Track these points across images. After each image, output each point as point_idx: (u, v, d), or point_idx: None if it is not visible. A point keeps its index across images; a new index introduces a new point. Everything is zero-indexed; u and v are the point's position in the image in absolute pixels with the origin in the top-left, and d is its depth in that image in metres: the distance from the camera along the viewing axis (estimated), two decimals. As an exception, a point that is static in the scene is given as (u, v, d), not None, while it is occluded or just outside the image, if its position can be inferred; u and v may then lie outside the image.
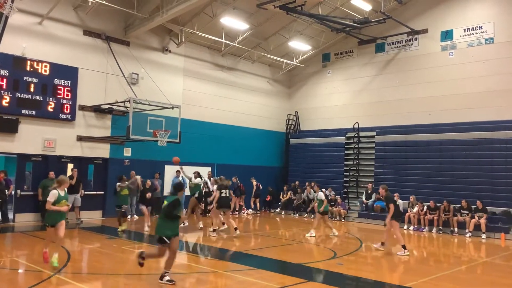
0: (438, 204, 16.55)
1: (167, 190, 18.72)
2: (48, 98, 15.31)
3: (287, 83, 25.09)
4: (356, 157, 21.27)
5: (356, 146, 21.34)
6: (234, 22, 18.82)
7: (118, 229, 13.50)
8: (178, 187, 8.35)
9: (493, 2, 18.48)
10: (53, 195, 8.44)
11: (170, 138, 15.84)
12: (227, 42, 19.89)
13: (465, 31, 18.99)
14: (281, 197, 21.79)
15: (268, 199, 22.08)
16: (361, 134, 21.25)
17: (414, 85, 20.14)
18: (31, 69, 14.97)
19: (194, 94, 20.07)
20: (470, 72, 18.50)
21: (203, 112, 20.28)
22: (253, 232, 16.08)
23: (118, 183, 13.54)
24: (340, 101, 22.77)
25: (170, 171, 18.85)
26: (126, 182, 13.59)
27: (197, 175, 15.55)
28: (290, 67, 23.85)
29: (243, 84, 22.55)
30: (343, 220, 19.07)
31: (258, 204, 21.33)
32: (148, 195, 14.10)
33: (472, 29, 18.79)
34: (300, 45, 22.09)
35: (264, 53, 21.79)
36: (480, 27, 18.56)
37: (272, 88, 24.25)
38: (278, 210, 21.51)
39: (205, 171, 19.71)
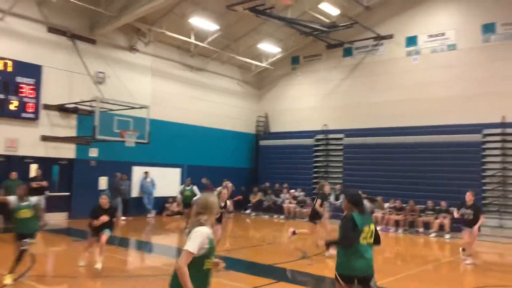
0: (404, 205, 16.98)
1: (135, 192, 18.37)
2: (10, 96, 14.74)
3: (257, 84, 25.14)
4: (325, 159, 21.53)
5: (325, 148, 21.60)
6: (204, 23, 18.71)
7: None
8: (359, 200, 5.24)
9: (454, 10, 19.08)
10: (203, 238, 3.78)
11: (138, 138, 15.58)
12: (196, 42, 19.75)
13: (428, 37, 19.54)
14: (251, 198, 21.79)
15: (238, 198, 21.96)
16: (330, 136, 21.54)
17: (380, 89, 20.53)
18: (-8, 66, 14.38)
19: (163, 94, 19.80)
20: (434, 77, 19.02)
21: (172, 112, 20.03)
22: (224, 234, 15.98)
23: (12, 197, 7.92)
24: (309, 103, 22.99)
25: (138, 173, 18.51)
26: (31, 199, 7.96)
27: (190, 182, 15.38)
28: (259, 69, 23.92)
29: (213, 85, 22.44)
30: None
31: (229, 206, 21.14)
32: (103, 218, 8.73)
33: (435, 35, 19.36)
34: (270, 48, 22.19)
35: (233, 54, 21.76)
36: (443, 34, 19.15)
37: (242, 89, 24.25)
38: (248, 211, 21.47)
39: (174, 172, 19.53)
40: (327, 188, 11.93)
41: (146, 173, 18.44)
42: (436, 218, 16.05)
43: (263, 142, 23.89)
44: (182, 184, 18.60)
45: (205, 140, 21.41)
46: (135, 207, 18.12)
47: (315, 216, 11.21)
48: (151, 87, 19.45)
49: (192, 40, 19.45)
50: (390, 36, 20.63)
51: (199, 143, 21.08)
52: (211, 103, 22.14)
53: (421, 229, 16.29)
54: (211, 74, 22.37)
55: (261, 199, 21.52)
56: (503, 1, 17.70)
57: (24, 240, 7.65)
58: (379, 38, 20.81)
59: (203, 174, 20.32)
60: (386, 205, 17.64)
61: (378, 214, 17.43)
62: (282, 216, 19.89)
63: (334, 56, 22.45)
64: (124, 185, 17.62)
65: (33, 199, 8.01)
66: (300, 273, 9.24)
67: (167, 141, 19.34)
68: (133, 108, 15.89)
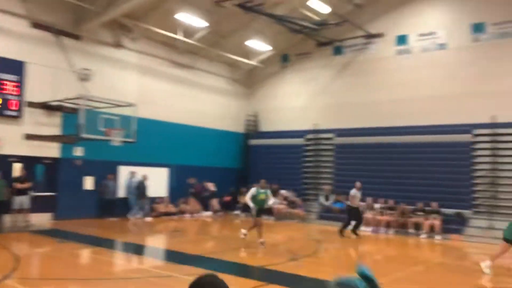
0: (395, 206, 16.90)
1: (121, 192, 18.00)
2: (-8, 93, 14.30)
3: (246, 83, 24.85)
4: (316, 159, 21.36)
5: (315, 148, 21.43)
6: (191, 19, 18.37)
7: None
8: None
9: (444, 9, 19.05)
10: None
11: (125, 137, 15.27)
12: (184, 39, 19.42)
13: (419, 36, 19.44)
14: (240, 199, 21.50)
15: (227, 199, 21.71)
16: (320, 136, 21.37)
17: (371, 88, 20.36)
18: (-27, 62, 13.93)
19: (150, 92, 19.42)
20: (425, 76, 18.91)
21: (160, 111, 19.67)
22: (211, 235, 15.76)
23: None
24: (300, 102, 22.76)
25: (124, 173, 18.13)
26: None
27: (265, 184, 12.93)
28: (249, 67, 23.66)
29: (201, 83, 22.11)
30: (303, 222, 19.05)
31: (216, 206, 20.93)
32: None
33: (426, 34, 19.27)
34: (259, 45, 21.92)
35: (222, 52, 21.45)
36: (433, 33, 19.08)
37: (231, 88, 23.96)
38: (237, 212, 21.19)
39: (161, 172, 19.30)
40: None
41: (132, 173, 18.08)
42: (427, 219, 15.96)
43: (252, 142, 23.64)
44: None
45: (194, 139, 21.07)
46: (122, 208, 17.73)
47: None
48: (138, 85, 19.07)
49: (180, 36, 19.13)
50: (380, 35, 20.49)
51: (187, 142, 20.73)
52: (199, 102, 21.82)
53: (411, 230, 16.18)
54: (200, 72, 22.04)
55: (251, 200, 21.24)
56: (492, 1, 17.67)
57: None
58: (370, 36, 20.67)
59: (191, 174, 20.08)
60: (377, 205, 17.53)
61: (368, 215, 17.32)
62: (272, 217, 19.62)
63: (325, 54, 22.27)
64: (110, 185, 17.30)
65: None
66: (290, 275, 9.05)
67: (154, 140, 18.98)
68: (119, 106, 15.54)
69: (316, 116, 21.72)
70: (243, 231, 12.82)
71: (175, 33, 19.01)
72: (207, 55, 21.99)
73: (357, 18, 20.42)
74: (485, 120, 16.86)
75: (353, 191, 15.13)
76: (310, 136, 21.71)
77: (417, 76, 19.13)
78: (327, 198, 19.69)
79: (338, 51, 21.93)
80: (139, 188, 17.89)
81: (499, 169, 16.56)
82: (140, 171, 18.23)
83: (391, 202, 17.20)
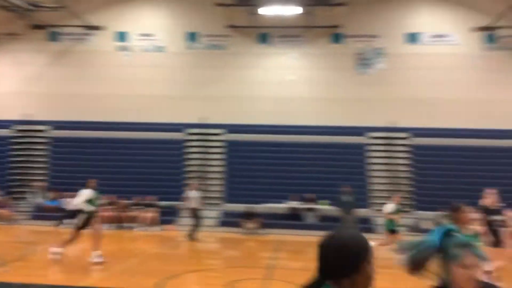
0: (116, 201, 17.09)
1: None
2: None
3: None
4: (25, 153, 19.36)
5: (27, 141, 19.51)
6: None
7: None
8: None
9: (163, 14, 20.35)
10: None
11: None
12: None
13: (139, 36, 20.10)
14: None
15: None
16: (33, 127, 19.49)
17: (91, 81, 19.79)
18: None
19: None
20: (144, 75, 19.67)
21: None
22: None
23: None
24: (7, 87, 19.93)
25: None
26: None
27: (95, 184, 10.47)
28: None
29: None
30: (11, 224, 16.85)
31: None
32: None
33: (146, 35, 20.08)
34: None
35: None
36: (153, 35, 20.06)
37: None
38: None
39: None
40: None
41: None
42: (144, 212, 16.71)
43: None
44: None
45: None
46: None
47: None
48: None
49: None
50: (100, 27, 20.13)
51: None
52: None
53: (130, 224, 16.63)
54: None
55: None
56: (204, 14, 19.79)
57: None
58: (89, 27, 20.01)
59: None
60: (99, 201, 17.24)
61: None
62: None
63: (39, 38, 20.37)
64: None
65: None
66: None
67: None
68: None
69: (28, 105, 19.50)
70: (55, 249, 10.19)
71: None
72: None
73: (76, 5, 19.30)
74: (195, 120, 18.92)
75: (191, 192, 14.68)
76: (19, 127, 19.51)
77: (138, 74, 19.75)
78: (43, 196, 18.08)
79: (53, 37, 20.42)
80: None
81: (208, 165, 18.88)
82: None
83: (112, 198, 17.22)
